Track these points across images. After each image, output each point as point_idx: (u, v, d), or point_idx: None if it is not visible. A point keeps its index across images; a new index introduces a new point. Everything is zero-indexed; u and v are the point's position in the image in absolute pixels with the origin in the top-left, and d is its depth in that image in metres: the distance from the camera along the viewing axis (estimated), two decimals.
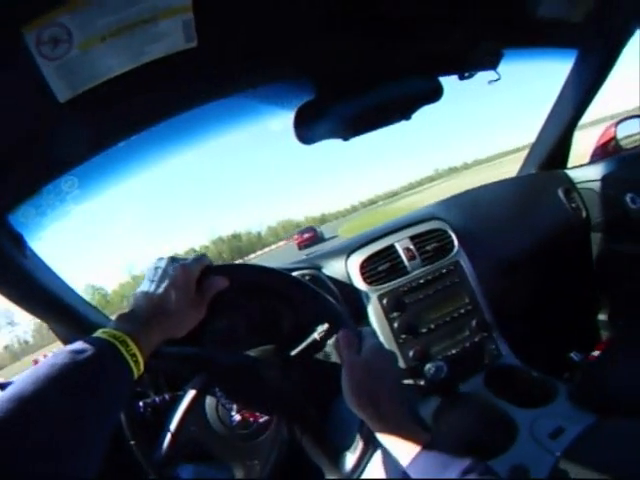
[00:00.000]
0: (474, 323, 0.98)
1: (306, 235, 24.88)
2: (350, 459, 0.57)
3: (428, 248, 0.99)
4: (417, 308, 0.97)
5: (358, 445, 0.56)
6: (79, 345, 0.44)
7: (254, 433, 0.60)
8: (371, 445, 0.55)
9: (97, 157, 0.63)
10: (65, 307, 0.75)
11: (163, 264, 0.55)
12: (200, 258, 0.58)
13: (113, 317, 0.93)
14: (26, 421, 0.35)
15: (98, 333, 0.47)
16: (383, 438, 0.49)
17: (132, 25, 0.49)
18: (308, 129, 0.68)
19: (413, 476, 0.46)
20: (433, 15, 0.72)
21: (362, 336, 0.55)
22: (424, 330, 0.96)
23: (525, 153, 1.33)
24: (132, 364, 0.46)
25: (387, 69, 0.72)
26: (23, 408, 0.35)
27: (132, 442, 0.62)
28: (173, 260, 0.56)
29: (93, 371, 0.42)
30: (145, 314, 0.51)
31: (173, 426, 0.61)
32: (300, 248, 23.53)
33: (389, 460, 0.49)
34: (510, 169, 1.53)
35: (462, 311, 0.99)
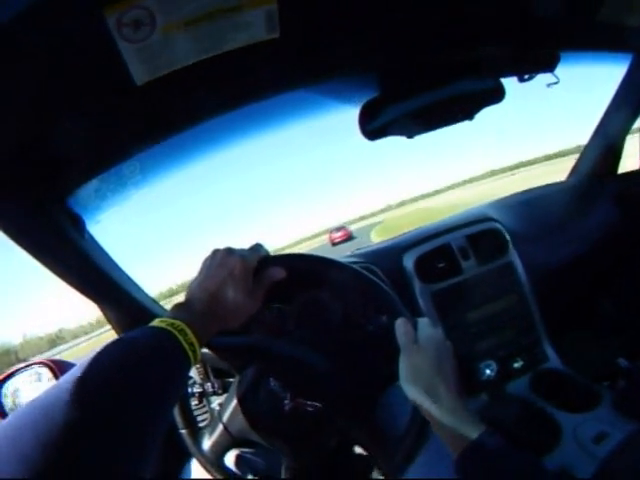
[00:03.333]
0: (522, 325, 0.99)
1: (339, 233, 26.72)
2: (402, 447, 0.56)
3: (483, 249, 0.99)
4: (468, 307, 0.97)
5: (410, 434, 0.56)
6: (138, 333, 0.44)
7: (306, 420, 0.60)
8: (424, 434, 0.55)
9: (161, 143, 0.63)
10: (120, 292, 0.76)
11: (220, 255, 0.55)
12: (257, 248, 0.58)
13: (165, 305, 0.94)
14: (89, 404, 0.35)
15: (156, 322, 0.47)
16: (437, 427, 0.49)
17: (216, 12, 0.49)
18: (373, 125, 0.68)
19: (465, 466, 0.46)
20: (493, 17, 0.72)
21: (418, 326, 0.55)
22: (474, 329, 0.97)
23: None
24: (190, 353, 0.46)
25: (450, 70, 0.71)
26: (86, 391, 0.35)
27: (183, 430, 0.63)
28: (230, 251, 0.56)
29: (153, 357, 0.42)
30: (202, 304, 0.51)
31: (225, 417, 0.61)
32: (334, 245, 24.56)
33: (442, 449, 0.49)
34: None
35: (511, 312, 0.99)
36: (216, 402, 0.84)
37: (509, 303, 0.99)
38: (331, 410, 0.59)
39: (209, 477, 0.63)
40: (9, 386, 0.88)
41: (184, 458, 0.77)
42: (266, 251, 0.59)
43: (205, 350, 0.64)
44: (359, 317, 0.63)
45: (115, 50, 0.47)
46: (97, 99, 0.55)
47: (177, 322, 0.46)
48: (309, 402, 0.59)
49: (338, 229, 28.60)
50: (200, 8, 0.48)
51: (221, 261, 0.54)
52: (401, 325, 0.54)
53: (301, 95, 0.65)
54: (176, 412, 0.63)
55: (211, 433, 0.64)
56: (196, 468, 0.81)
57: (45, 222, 0.64)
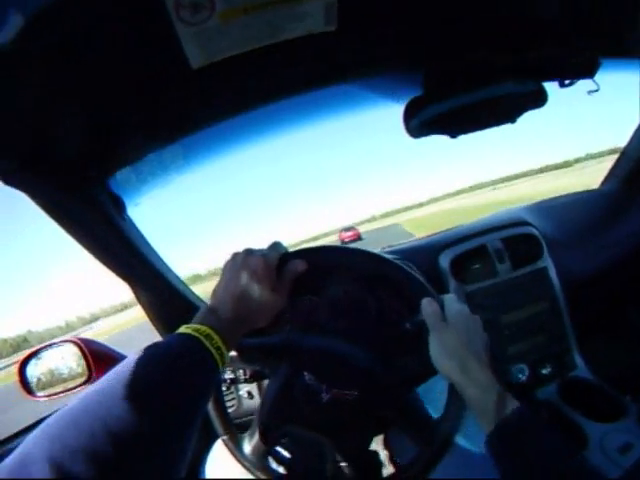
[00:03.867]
0: (553, 331, 0.98)
1: (349, 233, 28.23)
2: (441, 430, 0.56)
3: (518, 253, 0.98)
4: (502, 310, 0.97)
5: (448, 414, 0.55)
6: (166, 340, 0.46)
7: (345, 409, 0.60)
8: (461, 413, 0.55)
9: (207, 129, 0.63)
10: (153, 274, 0.77)
11: (240, 257, 0.56)
12: (276, 246, 0.59)
13: (195, 290, 0.95)
14: (126, 407, 0.36)
15: (182, 329, 0.48)
16: (472, 403, 0.49)
17: (276, 1, 0.49)
18: (416, 122, 0.67)
19: (499, 441, 0.45)
20: (536, 21, 0.71)
21: (444, 303, 0.55)
22: (507, 332, 0.96)
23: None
24: (217, 357, 0.47)
25: (494, 71, 0.70)
26: (122, 395, 0.37)
27: (224, 437, 0.63)
28: (250, 252, 0.56)
29: (181, 364, 0.43)
30: (228, 308, 0.52)
31: (263, 418, 0.61)
32: (343, 244, 25.47)
33: (476, 426, 0.49)
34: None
35: (543, 318, 0.98)
36: (244, 390, 0.84)
37: (541, 308, 0.98)
38: (369, 397, 0.59)
39: (252, 477, 0.63)
40: (36, 363, 0.89)
41: (209, 442, 0.78)
42: (285, 248, 0.59)
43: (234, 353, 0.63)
44: (394, 314, 0.63)
45: (172, 32, 0.47)
46: (151, 81, 0.55)
47: (202, 327, 0.48)
48: (347, 391, 0.59)
49: (348, 229, 29.98)
50: None
51: (242, 263, 0.55)
52: (427, 305, 0.54)
53: (347, 89, 0.65)
54: (214, 418, 0.63)
55: (251, 436, 0.64)
56: (219, 449, 0.81)
57: (87, 202, 0.65)
